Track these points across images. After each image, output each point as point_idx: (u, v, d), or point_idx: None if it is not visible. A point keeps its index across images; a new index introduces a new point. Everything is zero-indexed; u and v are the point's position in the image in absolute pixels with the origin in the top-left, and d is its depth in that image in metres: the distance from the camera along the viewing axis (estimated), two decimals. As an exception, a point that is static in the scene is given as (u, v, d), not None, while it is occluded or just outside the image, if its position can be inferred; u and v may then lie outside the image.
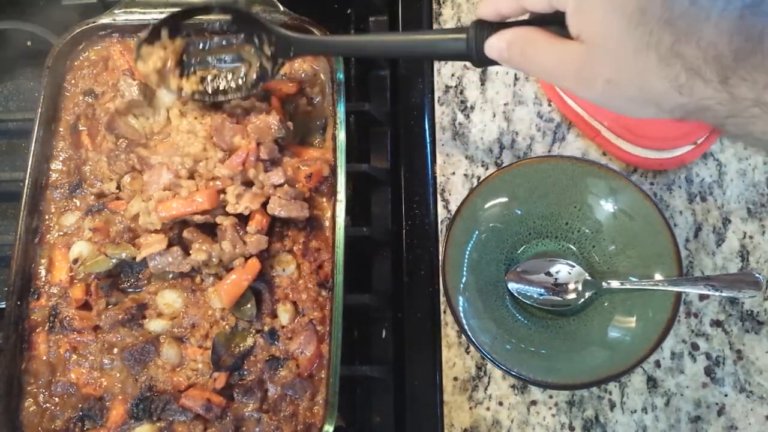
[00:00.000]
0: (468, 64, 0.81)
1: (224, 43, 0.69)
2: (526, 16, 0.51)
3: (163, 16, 0.69)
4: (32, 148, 0.70)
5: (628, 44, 0.41)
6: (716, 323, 0.71)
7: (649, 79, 0.41)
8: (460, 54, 0.55)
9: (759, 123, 0.39)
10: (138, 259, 0.65)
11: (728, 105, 0.39)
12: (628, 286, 0.66)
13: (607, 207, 0.69)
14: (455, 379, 0.71)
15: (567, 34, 0.46)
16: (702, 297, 0.71)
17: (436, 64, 0.82)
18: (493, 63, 0.53)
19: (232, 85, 0.68)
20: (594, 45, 0.44)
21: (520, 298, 0.69)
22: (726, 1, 0.39)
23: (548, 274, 0.69)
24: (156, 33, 0.67)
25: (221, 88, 0.68)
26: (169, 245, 0.65)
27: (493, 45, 0.51)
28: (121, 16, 0.74)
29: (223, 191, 0.65)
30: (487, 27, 0.52)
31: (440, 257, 0.70)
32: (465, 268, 0.68)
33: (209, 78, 0.68)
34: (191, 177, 0.67)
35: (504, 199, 0.70)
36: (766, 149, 0.42)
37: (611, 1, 0.42)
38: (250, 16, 0.67)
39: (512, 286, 0.69)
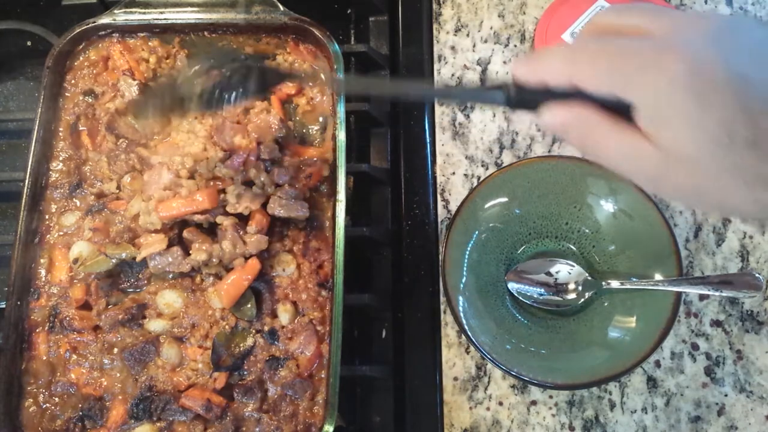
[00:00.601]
0: (467, 63, 0.81)
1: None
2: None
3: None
4: (32, 148, 0.70)
5: (711, 167, 0.39)
6: (716, 323, 0.71)
7: (731, 197, 0.40)
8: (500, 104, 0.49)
9: None
10: (138, 259, 0.65)
11: None
12: (628, 286, 0.66)
13: (607, 207, 0.69)
14: (455, 379, 0.71)
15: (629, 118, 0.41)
16: (702, 297, 0.71)
17: (436, 64, 0.82)
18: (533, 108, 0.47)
19: (226, 94, 0.67)
20: (673, 157, 0.40)
21: (520, 298, 0.69)
22: None
23: (548, 274, 0.69)
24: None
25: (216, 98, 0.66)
26: (169, 245, 0.65)
27: (548, 122, 0.45)
28: (121, 16, 0.74)
29: (223, 191, 0.65)
30: (523, 93, 0.45)
31: (440, 257, 0.70)
32: (465, 268, 0.68)
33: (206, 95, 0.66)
34: (191, 177, 0.67)
35: (504, 199, 0.70)
36: None
37: (691, 122, 0.38)
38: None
39: (512, 286, 0.69)
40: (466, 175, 0.77)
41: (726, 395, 0.69)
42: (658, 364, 0.70)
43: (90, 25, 0.74)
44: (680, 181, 0.41)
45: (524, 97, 0.45)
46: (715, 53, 0.38)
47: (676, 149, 0.40)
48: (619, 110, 0.41)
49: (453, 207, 0.76)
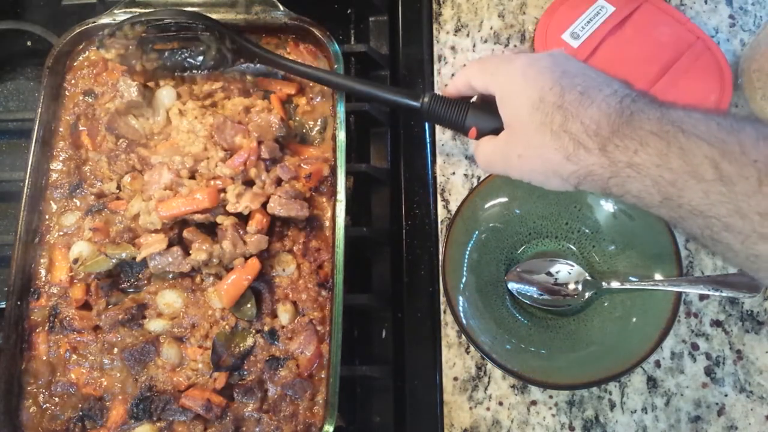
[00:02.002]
0: (467, 63, 0.81)
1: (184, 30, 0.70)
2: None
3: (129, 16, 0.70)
4: (32, 148, 0.70)
5: (531, 125, 0.52)
6: (716, 323, 0.71)
7: (547, 151, 0.51)
8: (412, 111, 0.64)
9: (634, 182, 0.47)
10: (138, 259, 0.65)
11: (608, 168, 0.48)
12: (628, 286, 0.66)
13: (607, 207, 0.69)
14: (455, 379, 0.71)
15: None
16: (702, 297, 0.71)
17: (436, 65, 0.82)
18: (437, 122, 0.65)
19: (190, 60, 0.71)
20: (510, 128, 0.55)
21: (520, 298, 0.69)
22: (613, 91, 0.49)
23: (548, 274, 0.69)
24: (119, 27, 0.69)
25: (178, 60, 0.71)
26: (169, 245, 0.65)
27: (476, 154, 0.61)
28: (121, 16, 0.74)
29: (223, 190, 0.65)
30: (439, 99, 0.62)
31: (440, 257, 0.70)
32: (465, 268, 0.68)
33: (167, 53, 0.70)
34: (192, 177, 0.67)
35: (504, 199, 0.70)
36: (645, 208, 0.50)
37: (521, 90, 0.53)
38: (220, 26, 0.70)
39: (512, 286, 0.69)
40: (466, 175, 0.77)
41: (726, 395, 0.69)
42: (658, 364, 0.70)
43: (90, 25, 0.74)
44: (516, 148, 0.54)
45: (434, 109, 0.61)
46: (548, 56, 0.54)
47: (511, 117, 0.54)
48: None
49: (453, 207, 0.76)
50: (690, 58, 0.73)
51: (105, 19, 0.74)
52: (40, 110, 0.71)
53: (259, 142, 0.67)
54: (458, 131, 0.62)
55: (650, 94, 0.50)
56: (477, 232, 0.69)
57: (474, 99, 0.62)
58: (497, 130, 0.57)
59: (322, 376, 0.64)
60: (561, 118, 0.50)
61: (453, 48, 0.82)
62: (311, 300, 0.66)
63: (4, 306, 0.66)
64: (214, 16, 0.73)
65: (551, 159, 0.51)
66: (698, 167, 0.43)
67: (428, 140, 0.79)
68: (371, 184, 0.79)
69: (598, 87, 0.50)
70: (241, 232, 0.65)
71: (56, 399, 0.65)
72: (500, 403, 0.70)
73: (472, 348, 0.71)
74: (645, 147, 0.46)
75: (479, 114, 0.60)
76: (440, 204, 0.76)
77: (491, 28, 0.82)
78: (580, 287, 0.68)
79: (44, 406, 0.65)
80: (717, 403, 0.68)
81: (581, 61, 0.55)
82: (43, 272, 0.68)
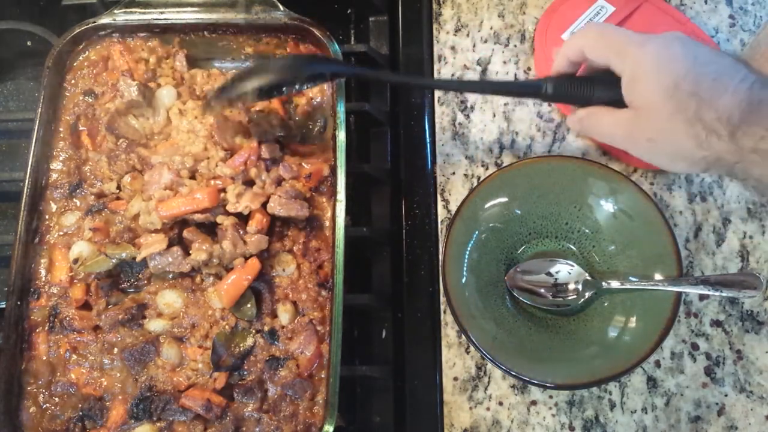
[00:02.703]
0: (467, 64, 0.81)
1: None
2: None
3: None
4: (32, 148, 0.70)
5: (664, 111, 0.53)
6: (716, 323, 0.71)
7: (680, 138, 0.53)
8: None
9: (757, 167, 0.50)
10: (138, 259, 0.65)
11: (735, 154, 0.50)
12: (628, 286, 0.66)
13: (607, 207, 0.69)
14: (455, 379, 0.71)
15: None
16: (702, 297, 0.71)
17: (436, 65, 0.82)
18: (562, 101, 0.70)
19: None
20: (640, 110, 0.56)
21: (520, 298, 0.69)
22: (741, 78, 0.51)
23: (548, 274, 0.69)
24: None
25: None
26: (169, 245, 0.65)
27: (571, 121, 0.65)
28: (121, 16, 0.74)
29: (223, 190, 0.65)
30: (561, 82, 0.63)
31: (440, 257, 0.70)
32: (465, 268, 0.68)
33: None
34: (192, 177, 0.67)
35: (504, 199, 0.70)
36: (763, 192, 0.55)
37: (654, 77, 0.54)
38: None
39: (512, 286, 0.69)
40: (466, 175, 0.77)
41: (726, 395, 0.69)
42: (658, 364, 0.70)
43: (90, 25, 0.74)
44: (646, 131, 0.55)
45: (560, 92, 0.62)
46: (677, 40, 0.55)
47: (642, 101, 0.55)
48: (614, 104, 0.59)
49: (453, 207, 0.76)
50: (690, 58, 0.73)
51: (105, 19, 0.74)
52: (40, 110, 0.71)
53: (260, 142, 0.67)
54: (580, 106, 0.64)
55: None
56: (477, 232, 0.69)
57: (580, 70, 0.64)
58: (614, 102, 0.59)
59: (322, 376, 0.64)
60: (695, 106, 0.51)
61: (453, 48, 0.82)
62: (311, 300, 0.66)
63: (4, 306, 0.66)
64: (214, 16, 0.74)
65: (683, 145, 0.53)
66: None
67: (428, 140, 0.79)
68: (371, 184, 0.79)
69: (729, 74, 0.51)
70: (241, 232, 0.65)
71: (56, 399, 0.65)
72: (500, 403, 0.70)
73: (472, 348, 0.71)
74: None
75: (603, 89, 0.61)
76: (440, 204, 0.76)
77: (491, 28, 0.82)
78: (580, 287, 0.68)
79: (44, 406, 0.65)
80: (717, 403, 0.68)
81: (706, 45, 0.56)
82: (43, 272, 0.68)
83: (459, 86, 0.77)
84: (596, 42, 0.58)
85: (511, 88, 0.71)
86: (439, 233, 0.75)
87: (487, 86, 0.74)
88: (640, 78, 0.55)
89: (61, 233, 0.69)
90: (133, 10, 0.74)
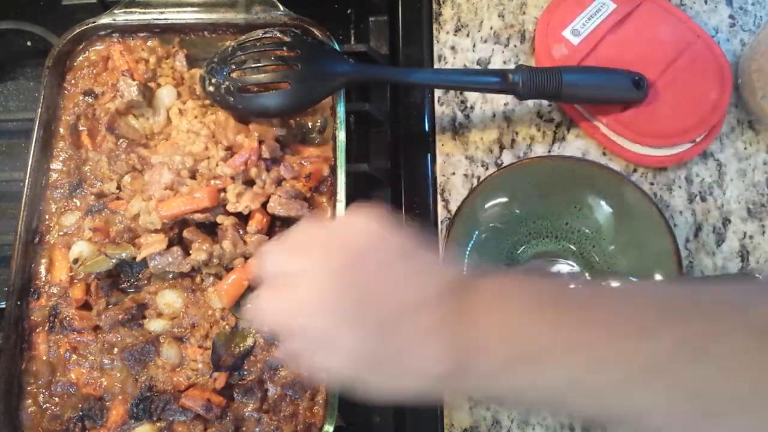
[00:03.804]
0: (467, 63, 0.81)
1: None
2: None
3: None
4: (32, 148, 0.70)
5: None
6: (716, 323, 0.71)
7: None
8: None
9: None
10: (138, 259, 0.65)
11: None
12: (628, 286, 0.66)
13: (607, 207, 0.69)
14: (455, 379, 0.71)
15: None
16: (702, 297, 0.71)
17: (436, 64, 0.82)
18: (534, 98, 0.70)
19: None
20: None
21: (520, 298, 0.69)
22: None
23: (548, 274, 0.69)
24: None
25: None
26: (169, 245, 0.65)
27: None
28: (121, 16, 0.74)
29: (223, 190, 0.65)
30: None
31: (440, 257, 0.70)
32: (465, 268, 0.68)
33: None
34: (192, 177, 0.67)
35: (504, 199, 0.70)
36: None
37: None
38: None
39: (512, 286, 0.69)
40: (466, 175, 0.77)
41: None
42: (658, 364, 0.70)
43: (90, 25, 0.74)
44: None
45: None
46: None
47: None
48: None
49: (453, 207, 0.76)
50: (690, 57, 0.73)
51: (105, 19, 0.74)
52: (40, 110, 0.71)
53: (260, 142, 0.67)
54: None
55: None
56: (477, 232, 0.69)
57: None
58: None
59: (322, 376, 0.64)
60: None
61: (453, 48, 0.82)
62: (311, 300, 0.66)
63: (4, 306, 0.66)
64: (214, 16, 0.74)
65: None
66: None
67: (428, 140, 0.79)
68: (371, 184, 0.79)
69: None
70: (241, 232, 0.65)
71: (56, 399, 0.65)
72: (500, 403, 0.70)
73: (472, 348, 0.71)
74: None
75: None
76: (440, 204, 0.76)
77: (491, 28, 0.82)
78: (580, 287, 0.68)
79: (44, 406, 0.65)
80: (717, 403, 0.68)
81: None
82: (43, 272, 0.68)
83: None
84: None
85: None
86: (439, 233, 0.75)
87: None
88: None
89: (61, 233, 0.69)
90: (133, 10, 0.74)
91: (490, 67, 0.81)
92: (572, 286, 0.42)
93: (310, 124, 0.73)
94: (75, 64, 0.75)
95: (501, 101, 0.79)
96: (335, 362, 0.44)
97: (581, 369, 0.38)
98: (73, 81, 0.74)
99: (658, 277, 0.65)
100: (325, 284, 0.44)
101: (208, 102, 0.71)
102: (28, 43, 0.83)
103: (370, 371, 0.44)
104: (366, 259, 0.45)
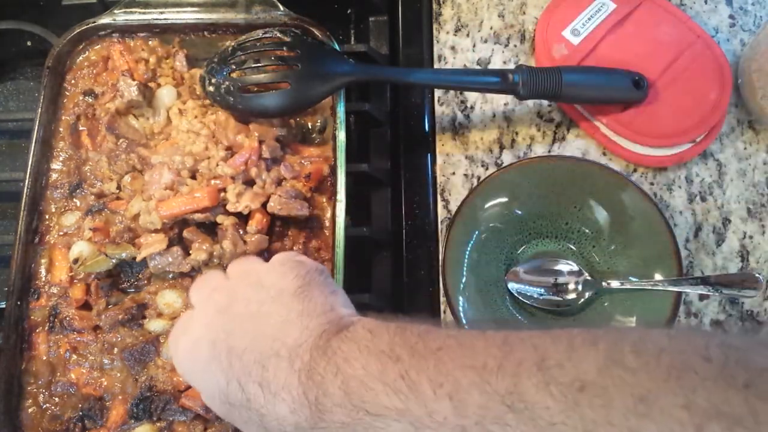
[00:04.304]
0: (467, 63, 0.81)
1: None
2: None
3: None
4: (32, 148, 0.70)
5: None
6: (716, 323, 0.71)
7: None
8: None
9: None
10: (138, 259, 0.65)
11: None
12: (628, 286, 0.66)
13: (607, 207, 0.69)
14: (455, 379, 0.71)
15: None
16: (702, 297, 0.71)
17: (436, 64, 0.82)
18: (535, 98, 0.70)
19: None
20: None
21: (520, 298, 0.69)
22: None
23: (548, 273, 0.69)
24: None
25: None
26: (169, 245, 0.65)
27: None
28: (121, 16, 0.74)
29: (223, 190, 0.65)
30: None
31: (440, 257, 0.70)
32: (465, 268, 0.68)
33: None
34: (193, 177, 0.67)
35: (504, 199, 0.70)
36: None
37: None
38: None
39: (512, 286, 0.69)
40: (466, 175, 0.77)
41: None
42: (658, 364, 0.70)
43: (90, 25, 0.74)
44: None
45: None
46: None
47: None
48: None
49: (453, 207, 0.76)
50: (690, 57, 0.73)
51: (105, 19, 0.74)
52: (40, 110, 0.71)
53: (261, 142, 0.67)
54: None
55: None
56: (477, 232, 0.69)
57: None
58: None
59: (322, 376, 0.64)
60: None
61: (453, 48, 0.82)
62: (311, 300, 0.66)
63: (4, 306, 0.66)
64: (214, 16, 0.74)
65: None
66: None
67: (428, 140, 0.79)
68: (371, 184, 0.79)
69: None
70: (241, 232, 0.65)
71: (56, 399, 0.65)
72: (500, 403, 0.69)
73: (472, 348, 0.71)
74: None
75: None
76: (440, 204, 0.76)
77: (491, 28, 0.82)
78: (580, 287, 0.68)
79: (44, 406, 0.65)
80: (717, 403, 0.68)
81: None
82: (43, 272, 0.68)
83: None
84: None
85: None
86: (439, 233, 0.75)
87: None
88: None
89: (61, 233, 0.69)
90: (133, 10, 0.74)
91: (490, 67, 0.81)
92: (434, 334, 0.43)
93: (310, 124, 0.73)
94: (75, 64, 0.75)
95: (501, 101, 0.79)
96: (203, 396, 0.50)
97: (419, 422, 0.39)
98: (73, 81, 0.74)
99: (658, 276, 0.65)
100: (204, 323, 0.50)
101: (208, 102, 0.71)
102: (28, 43, 0.83)
103: (228, 414, 0.47)
104: (245, 306, 0.49)
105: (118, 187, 0.70)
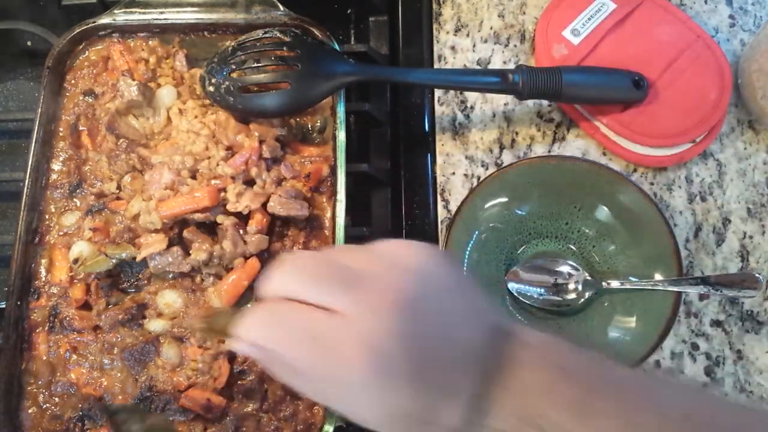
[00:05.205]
0: (467, 63, 0.81)
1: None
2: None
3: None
4: (32, 148, 0.70)
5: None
6: (716, 323, 0.71)
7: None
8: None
9: None
10: (138, 259, 0.65)
11: None
12: (628, 286, 0.66)
13: (607, 207, 0.69)
14: (455, 379, 0.71)
15: None
16: (702, 297, 0.71)
17: (436, 64, 0.82)
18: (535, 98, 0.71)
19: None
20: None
21: (520, 298, 0.69)
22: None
23: (548, 274, 0.69)
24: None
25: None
26: (169, 245, 0.65)
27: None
28: (121, 16, 0.74)
29: (223, 189, 0.65)
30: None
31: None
32: (465, 268, 0.68)
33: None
34: (193, 177, 0.67)
35: (504, 199, 0.70)
36: None
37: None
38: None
39: (512, 286, 0.69)
40: (466, 175, 0.77)
41: (726, 395, 0.68)
42: (658, 364, 0.70)
43: (90, 25, 0.74)
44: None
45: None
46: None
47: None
48: None
49: (453, 207, 0.76)
50: (690, 57, 0.73)
51: (105, 19, 0.74)
52: (40, 110, 0.71)
53: (261, 141, 0.67)
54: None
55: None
56: (477, 232, 0.69)
57: None
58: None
59: (322, 376, 0.64)
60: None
61: (453, 48, 0.82)
62: (311, 300, 0.66)
63: (4, 306, 0.66)
64: (214, 16, 0.74)
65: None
66: None
67: (428, 140, 0.79)
68: (371, 184, 0.79)
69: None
70: (241, 232, 0.65)
71: (56, 399, 0.65)
72: (500, 403, 0.70)
73: (472, 348, 0.71)
74: None
75: None
76: (440, 204, 0.76)
77: (491, 28, 0.82)
78: (580, 287, 0.68)
79: (44, 406, 0.65)
80: (717, 403, 0.68)
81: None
82: (43, 272, 0.68)
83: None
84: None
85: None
86: (439, 233, 0.75)
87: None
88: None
89: (61, 233, 0.69)
90: (133, 10, 0.74)
91: (490, 67, 0.81)
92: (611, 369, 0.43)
93: (310, 124, 0.73)
94: (75, 64, 0.75)
95: (501, 101, 0.79)
96: (359, 414, 0.43)
97: None
98: (73, 81, 0.74)
99: (658, 276, 0.65)
100: (374, 335, 0.41)
101: (208, 102, 0.71)
102: (28, 43, 0.83)
103: (393, 427, 0.43)
104: (419, 303, 0.42)
105: (118, 187, 0.70)
